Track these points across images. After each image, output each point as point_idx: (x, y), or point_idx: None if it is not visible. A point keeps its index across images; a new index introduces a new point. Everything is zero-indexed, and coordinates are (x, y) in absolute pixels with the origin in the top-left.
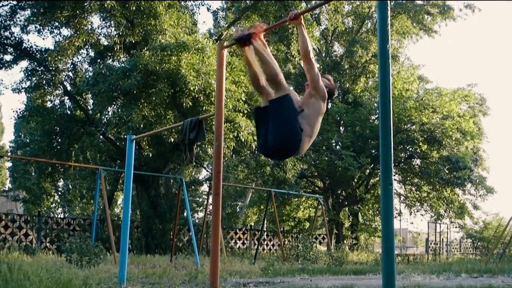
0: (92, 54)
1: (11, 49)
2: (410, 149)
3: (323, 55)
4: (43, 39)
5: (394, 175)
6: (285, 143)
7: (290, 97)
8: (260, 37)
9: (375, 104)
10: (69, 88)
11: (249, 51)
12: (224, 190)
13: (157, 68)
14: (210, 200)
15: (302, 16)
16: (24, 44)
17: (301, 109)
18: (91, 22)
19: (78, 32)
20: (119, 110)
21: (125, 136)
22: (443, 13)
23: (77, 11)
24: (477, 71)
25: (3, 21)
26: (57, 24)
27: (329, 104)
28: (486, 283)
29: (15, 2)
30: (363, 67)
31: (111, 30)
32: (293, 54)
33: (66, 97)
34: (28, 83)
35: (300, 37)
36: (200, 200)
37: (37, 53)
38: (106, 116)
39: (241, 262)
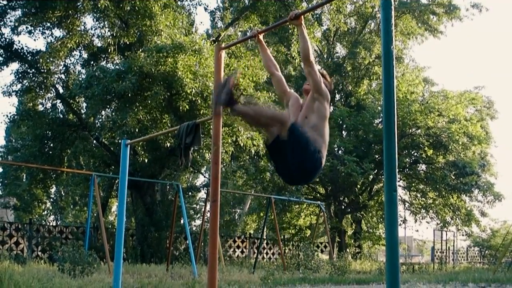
0: (85, 55)
1: (1, 50)
2: (415, 154)
3: (325, 56)
4: (35, 40)
5: (399, 181)
6: (308, 169)
7: (296, 126)
8: (259, 38)
9: (379, 108)
10: (61, 91)
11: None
12: (222, 197)
13: (153, 70)
14: (208, 207)
15: (303, 17)
16: (15, 46)
17: (305, 117)
18: (84, 23)
19: (70, 33)
20: (113, 114)
21: (120, 141)
22: (449, 13)
23: (70, 11)
24: (484, 73)
25: None
26: (48, 24)
27: (331, 106)
28: None
29: (5, 2)
30: (366, 69)
31: (105, 31)
32: (293, 55)
33: (58, 101)
34: (19, 86)
35: (300, 38)
36: (198, 207)
37: (28, 55)
38: (100, 120)
39: (240, 271)
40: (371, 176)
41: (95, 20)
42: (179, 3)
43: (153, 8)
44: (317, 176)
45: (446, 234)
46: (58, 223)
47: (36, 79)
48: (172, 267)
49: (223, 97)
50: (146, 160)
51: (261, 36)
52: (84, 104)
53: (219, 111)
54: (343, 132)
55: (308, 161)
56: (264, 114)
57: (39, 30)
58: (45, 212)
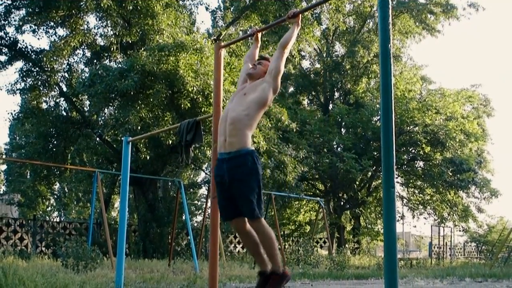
0: (88, 54)
1: (6, 49)
2: (413, 151)
3: (324, 55)
4: (38, 39)
5: (397, 178)
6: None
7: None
8: (257, 37)
9: (377, 105)
10: (64, 89)
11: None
12: None
13: (155, 68)
14: (209, 204)
15: (301, 15)
16: (19, 45)
17: (244, 94)
18: (87, 22)
19: (74, 32)
20: (116, 111)
21: (122, 138)
22: (446, 12)
23: (73, 11)
24: (481, 71)
25: None
26: (52, 24)
27: (330, 105)
28: None
29: (9, 1)
30: (365, 67)
31: (108, 30)
32: (293, 54)
33: (62, 99)
34: (23, 84)
35: (290, 31)
36: (199, 203)
37: (32, 54)
38: (103, 117)
39: (241, 266)
40: (370, 173)
41: (98, 19)
42: (180, 2)
43: (155, 7)
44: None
45: (444, 229)
46: (62, 219)
47: (40, 77)
48: (174, 262)
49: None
50: (148, 157)
51: (259, 35)
52: (87, 102)
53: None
54: (342, 129)
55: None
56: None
57: (43, 29)
58: (49, 208)
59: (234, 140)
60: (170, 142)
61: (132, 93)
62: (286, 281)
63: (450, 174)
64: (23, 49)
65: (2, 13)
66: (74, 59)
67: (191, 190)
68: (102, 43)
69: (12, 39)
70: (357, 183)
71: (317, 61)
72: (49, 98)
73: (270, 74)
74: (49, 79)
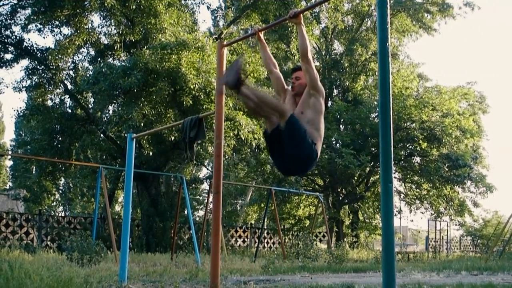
0: (92, 53)
1: (12, 48)
2: (410, 147)
3: (323, 53)
4: (44, 38)
5: (394, 173)
6: (303, 161)
7: (295, 118)
8: (260, 36)
9: (375, 102)
10: (69, 86)
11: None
12: (224, 189)
13: (157, 66)
14: (211, 199)
15: (302, 15)
16: (25, 43)
17: (301, 112)
18: (91, 21)
19: (78, 31)
20: (120, 108)
21: (126, 135)
22: (442, 11)
23: (77, 10)
24: (476, 69)
25: (3, 20)
26: (57, 23)
27: (329, 102)
28: (486, 281)
29: (15, 1)
30: (363, 65)
31: (111, 29)
32: (292, 52)
33: (67, 96)
34: (28, 81)
35: (299, 36)
36: (201, 198)
37: (37, 52)
38: (107, 114)
39: (242, 260)
40: (368, 168)
41: (102, 18)
42: (182, 2)
43: (158, 6)
44: (312, 168)
45: (440, 224)
46: (67, 213)
47: (45, 75)
48: (176, 256)
49: (231, 79)
50: (151, 153)
51: (261, 34)
52: (92, 99)
53: (221, 90)
54: (341, 126)
55: (304, 152)
56: (266, 102)
57: (48, 28)
58: (54, 203)
59: None
60: (173, 138)
61: (135, 90)
62: None
63: (446, 169)
64: (29, 48)
65: (8, 13)
66: (78, 57)
67: (193, 185)
68: (106, 42)
69: (18, 37)
70: (356, 178)
71: (317, 59)
72: (54, 96)
73: (311, 86)
74: (54, 77)
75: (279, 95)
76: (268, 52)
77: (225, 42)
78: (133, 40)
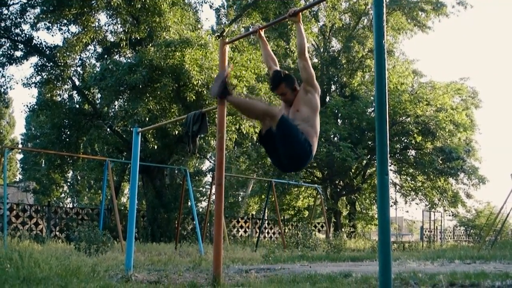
0: (99, 50)
1: (22, 45)
2: (405, 140)
3: (321, 50)
4: (52, 36)
5: (390, 166)
6: (299, 158)
7: (286, 118)
8: (260, 34)
9: (372, 98)
10: (77, 83)
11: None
12: (226, 181)
13: (162, 63)
14: (213, 190)
15: (300, 13)
16: (34, 41)
17: (297, 110)
18: (98, 20)
19: (85, 29)
20: (126, 104)
21: (131, 129)
22: (436, 10)
23: (85, 9)
24: (469, 65)
25: (14, 19)
26: (65, 21)
27: (327, 97)
28: (478, 269)
29: (25, 0)
30: (360, 62)
31: (117, 27)
32: (292, 49)
33: (75, 92)
34: (38, 78)
35: (298, 34)
36: (204, 190)
37: (46, 50)
38: (113, 109)
39: (243, 249)
40: (365, 161)
41: (108, 17)
42: (186, 1)
43: (162, 5)
44: (308, 163)
45: (434, 214)
46: (75, 205)
47: (54, 71)
48: (180, 245)
49: (218, 90)
50: (156, 147)
51: (262, 32)
52: (99, 95)
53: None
54: (339, 120)
55: (298, 151)
56: (254, 108)
57: (57, 26)
58: (63, 195)
59: None
60: (177, 132)
61: (140, 86)
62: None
63: (440, 162)
64: (38, 45)
65: (18, 12)
66: (86, 54)
67: (197, 177)
68: (112, 40)
69: (27, 35)
70: (353, 170)
71: (315, 56)
72: (62, 91)
73: (307, 83)
74: (62, 73)
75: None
76: (269, 49)
77: (227, 40)
78: (139, 38)
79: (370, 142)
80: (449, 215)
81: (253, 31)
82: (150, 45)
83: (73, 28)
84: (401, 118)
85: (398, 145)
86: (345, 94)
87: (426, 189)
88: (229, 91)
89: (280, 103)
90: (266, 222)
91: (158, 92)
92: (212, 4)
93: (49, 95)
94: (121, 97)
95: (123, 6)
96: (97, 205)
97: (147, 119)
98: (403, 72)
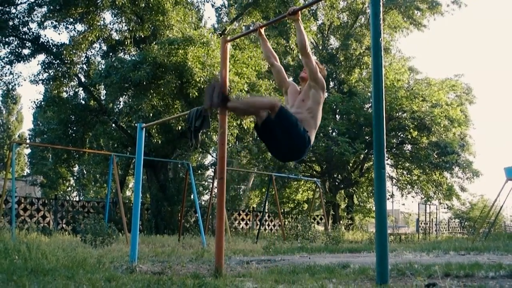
0: (104, 48)
1: (29, 43)
2: (402, 135)
3: (320, 48)
4: (59, 34)
5: (387, 160)
6: (297, 148)
7: (285, 109)
8: (261, 32)
9: (369, 94)
10: (83, 79)
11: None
12: (228, 175)
13: (165, 61)
14: (215, 184)
15: (300, 12)
16: (41, 39)
17: (302, 100)
18: (103, 18)
19: (91, 28)
20: (130, 100)
21: (136, 125)
22: (431, 9)
23: (90, 8)
24: (464, 62)
25: (21, 18)
26: (71, 20)
27: (326, 93)
28: (473, 260)
29: (32, 0)
30: (357, 59)
31: (122, 26)
32: (291, 47)
33: (81, 88)
34: (45, 75)
35: (297, 32)
36: (206, 183)
37: (53, 47)
38: (118, 106)
39: (244, 241)
40: (362, 155)
41: (113, 15)
42: (188, 0)
43: (166, 5)
44: (307, 153)
45: (430, 207)
46: (81, 198)
47: (60, 69)
48: (183, 237)
49: (217, 100)
50: (159, 142)
51: (262, 30)
52: (104, 92)
53: (208, 111)
54: (337, 116)
55: (296, 140)
56: (254, 104)
57: (63, 25)
58: (69, 188)
59: None
60: (180, 128)
61: (144, 83)
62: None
63: (436, 156)
64: (45, 43)
65: (25, 10)
66: (91, 52)
67: (199, 171)
68: (117, 38)
69: (35, 34)
70: (351, 165)
71: (314, 53)
72: (69, 88)
73: (311, 79)
74: (68, 70)
75: (281, 86)
76: (269, 47)
77: (228, 38)
78: (143, 36)
79: (367, 137)
80: (444, 208)
81: (253, 29)
82: (154, 43)
83: (79, 27)
84: (397, 114)
85: (394, 140)
86: (343, 91)
87: (422, 183)
88: (229, 98)
89: (280, 99)
90: (267, 214)
91: (162, 89)
92: (214, 3)
93: (56, 91)
94: (125, 93)
95: (127, 5)
96: (103, 199)
97: (151, 114)
98: (400, 69)
